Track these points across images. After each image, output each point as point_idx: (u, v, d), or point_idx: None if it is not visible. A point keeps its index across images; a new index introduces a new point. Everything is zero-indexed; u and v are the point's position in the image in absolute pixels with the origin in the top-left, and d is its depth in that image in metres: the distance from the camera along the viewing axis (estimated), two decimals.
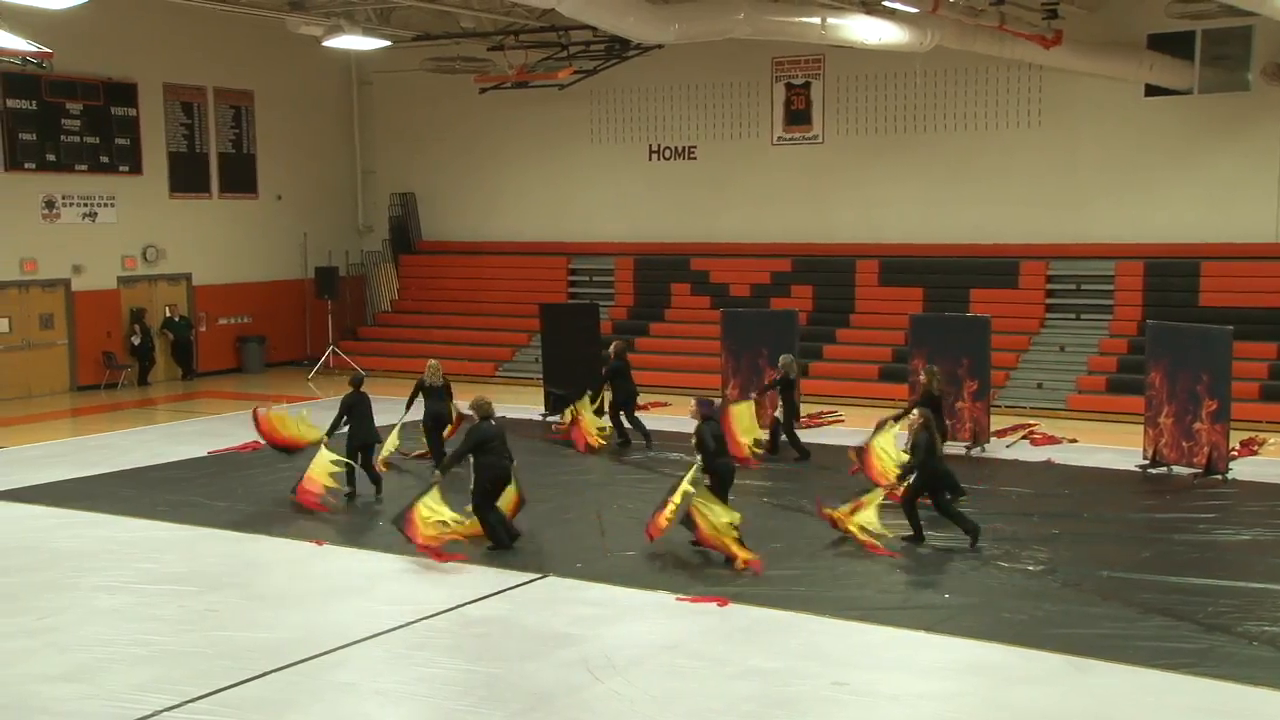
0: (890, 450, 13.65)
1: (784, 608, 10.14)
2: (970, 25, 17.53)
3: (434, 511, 11.68)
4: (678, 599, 10.39)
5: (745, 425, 15.25)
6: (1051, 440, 17.10)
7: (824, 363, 21.42)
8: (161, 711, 8.14)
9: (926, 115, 22.49)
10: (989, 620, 9.90)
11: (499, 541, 11.80)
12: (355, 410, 13.92)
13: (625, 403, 16.98)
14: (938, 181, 22.51)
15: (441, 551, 11.55)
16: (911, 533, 12.08)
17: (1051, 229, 21.60)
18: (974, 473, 15.24)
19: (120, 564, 11.45)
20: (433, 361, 15.48)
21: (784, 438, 16.07)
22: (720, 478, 12.13)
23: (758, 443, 15.43)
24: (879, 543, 11.79)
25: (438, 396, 15.25)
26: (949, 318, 18.02)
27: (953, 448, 16.19)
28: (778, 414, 16.10)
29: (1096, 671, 8.87)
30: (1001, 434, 17.15)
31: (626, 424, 16.97)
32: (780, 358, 16.27)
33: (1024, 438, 17.30)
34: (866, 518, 11.98)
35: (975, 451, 16.28)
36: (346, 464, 13.74)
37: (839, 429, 18.23)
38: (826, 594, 10.51)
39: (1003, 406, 18.87)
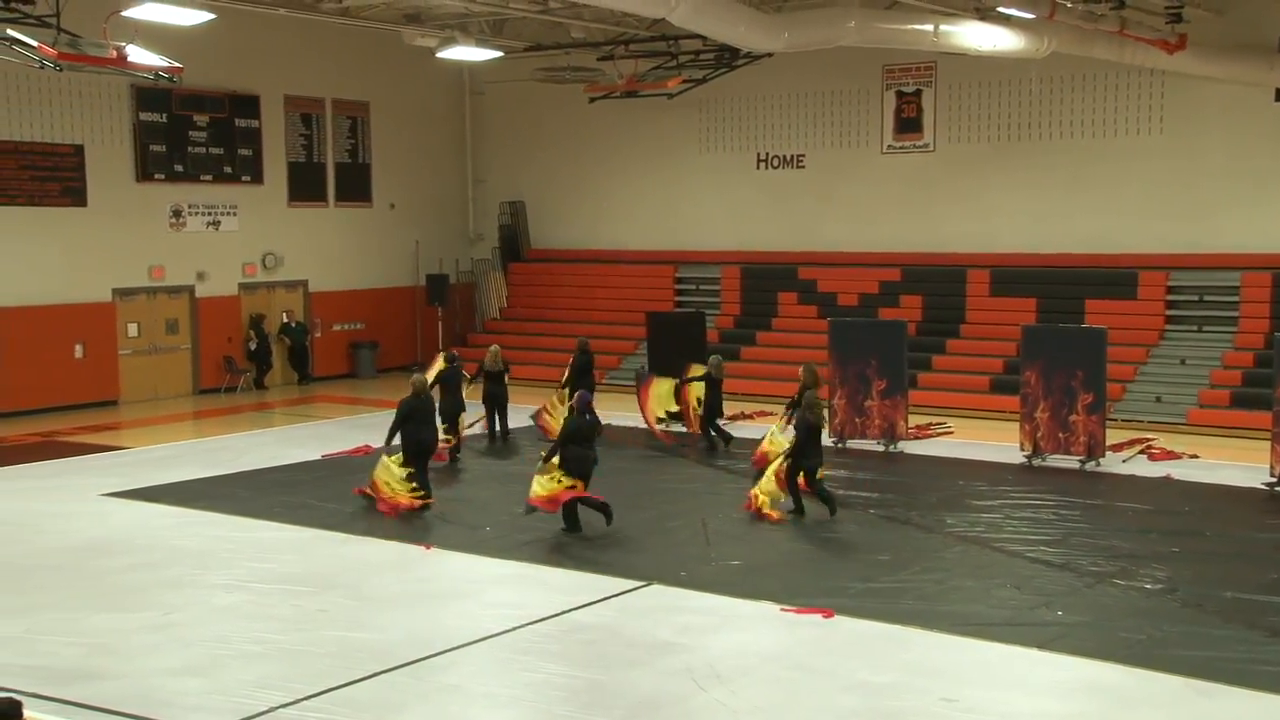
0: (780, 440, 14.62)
1: (891, 621, 9.98)
2: (1088, 30, 17.13)
3: (390, 474, 13.69)
4: (782, 609, 10.29)
5: (661, 399, 16.77)
6: (1171, 455, 16.60)
7: (933, 373, 21.09)
8: (276, 708, 8.30)
9: (1041, 122, 22.04)
10: (1105, 639, 9.61)
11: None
12: (414, 415, 14.16)
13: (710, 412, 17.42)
14: (1053, 190, 22.03)
15: (398, 508, 13.43)
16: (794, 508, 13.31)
17: (1172, 238, 20.99)
18: (1089, 487, 14.89)
19: (237, 563, 11.72)
20: (494, 348, 17.96)
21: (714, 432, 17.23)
22: (577, 464, 12.72)
23: (669, 414, 17.42)
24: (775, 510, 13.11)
25: (497, 380, 17.61)
26: (1063, 329, 17.61)
27: (1067, 462, 15.87)
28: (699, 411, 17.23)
29: (1219, 696, 8.55)
30: (1118, 448, 16.70)
31: (712, 431, 17.43)
32: (710, 358, 17.48)
33: (1141, 452, 16.82)
34: (765, 485, 13.33)
35: (1090, 466, 15.88)
36: (411, 472, 13.92)
37: (948, 441, 17.94)
38: (935, 608, 10.32)
39: (1119, 420, 18.38)
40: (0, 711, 5.52)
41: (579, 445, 12.81)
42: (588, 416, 13.21)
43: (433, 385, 15.53)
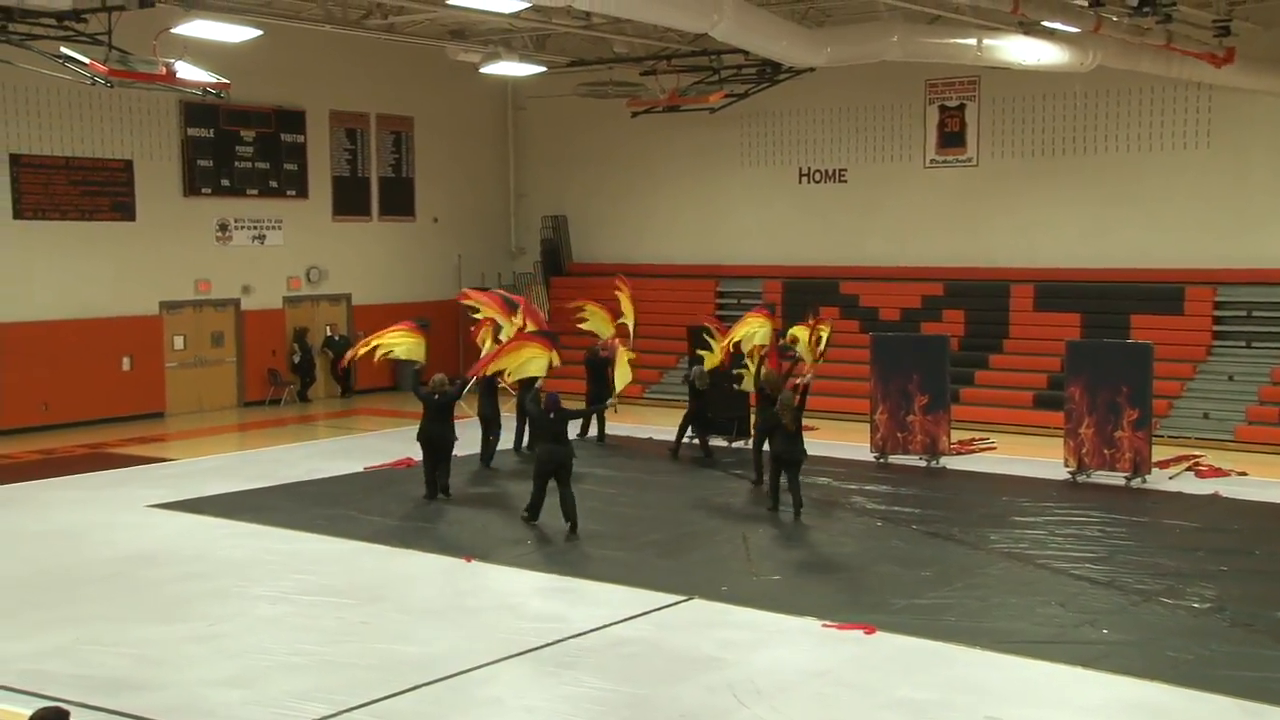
0: None
1: (934, 637, 9.91)
2: (1134, 44, 17.00)
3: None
4: (824, 625, 10.24)
5: (620, 374, 15.58)
6: (1219, 473, 16.40)
7: (976, 389, 20.94)
8: (319, 719, 8.35)
9: (1086, 136, 21.87)
10: (1152, 658, 9.49)
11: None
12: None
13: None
14: (1098, 204, 21.85)
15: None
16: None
17: (1220, 253, 20.75)
18: (1135, 505, 14.73)
19: (281, 574, 11.81)
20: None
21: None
22: (542, 460, 13.50)
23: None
24: None
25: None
26: (1108, 344, 17.44)
27: (1112, 478, 15.71)
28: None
29: (1269, 717, 8.43)
30: (1164, 465, 16.51)
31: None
32: (693, 368, 17.31)
33: (1188, 469, 16.63)
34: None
35: (1136, 483, 15.71)
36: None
37: (991, 457, 17.80)
38: (978, 624, 10.24)
39: (1165, 437, 18.16)
40: None
41: (548, 441, 13.57)
42: (552, 415, 13.68)
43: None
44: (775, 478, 14.22)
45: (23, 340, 20.05)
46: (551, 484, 13.40)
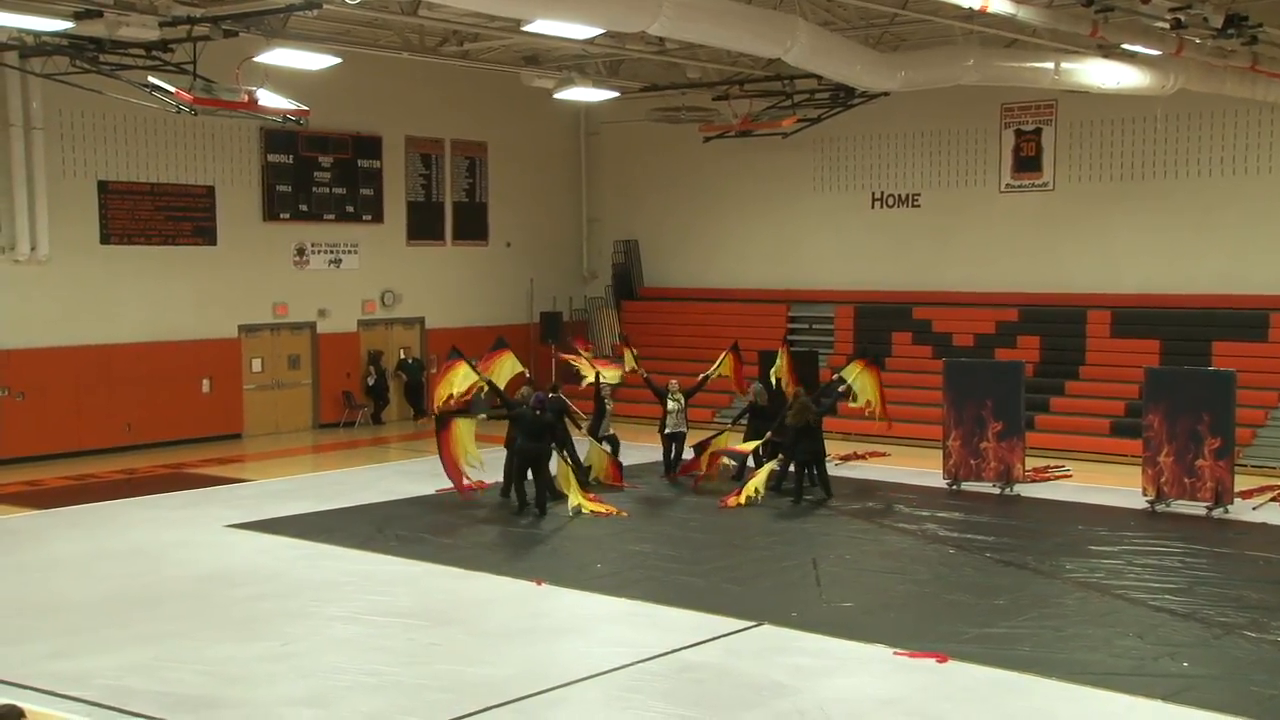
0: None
1: (1008, 668, 9.79)
2: (1218, 67, 16.75)
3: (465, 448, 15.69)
4: (895, 653, 10.16)
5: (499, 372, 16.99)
6: None
7: (1051, 415, 20.67)
8: None
9: (1167, 160, 21.56)
10: (1235, 693, 9.29)
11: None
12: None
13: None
14: (1178, 229, 21.51)
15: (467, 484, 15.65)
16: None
17: None
18: (1217, 535, 14.44)
19: (354, 596, 11.96)
20: (673, 382, 18.07)
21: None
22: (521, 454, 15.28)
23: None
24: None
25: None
26: (1189, 371, 17.13)
27: (1193, 508, 15.42)
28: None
29: None
30: (1247, 495, 16.17)
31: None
32: (753, 385, 17.88)
33: (1273, 499, 16.26)
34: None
35: (1218, 513, 15.40)
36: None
37: (1067, 484, 17.55)
38: (1054, 655, 10.09)
39: (1249, 466, 17.80)
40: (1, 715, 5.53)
41: (528, 439, 15.08)
42: (538, 412, 15.22)
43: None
44: (801, 474, 16.19)
45: (108, 362, 20.56)
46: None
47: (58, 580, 12.70)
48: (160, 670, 9.85)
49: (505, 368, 17.08)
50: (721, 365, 18.30)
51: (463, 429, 16.05)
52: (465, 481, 16.11)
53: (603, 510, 15.45)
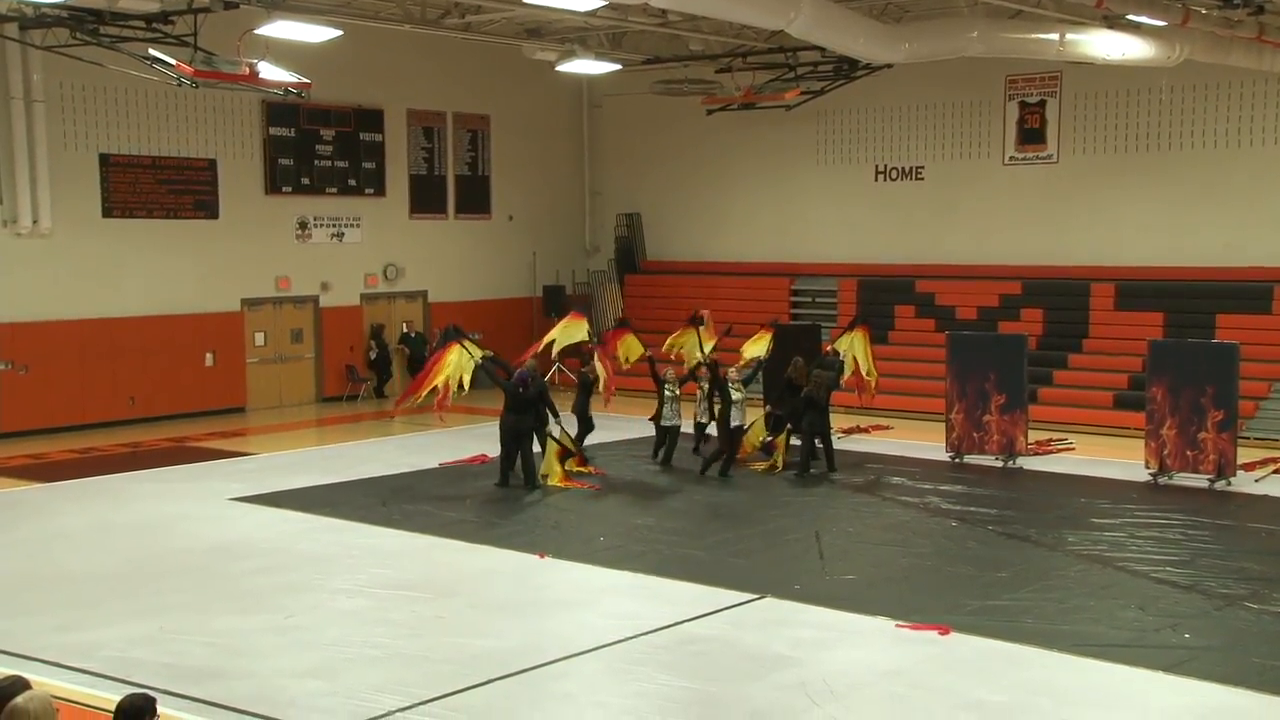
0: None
1: (1010, 639, 9.81)
2: (1224, 37, 16.64)
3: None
4: (898, 625, 10.18)
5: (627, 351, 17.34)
6: None
7: (1054, 389, 20.65)
8: (395, 711, 8.48)
9: (1172, 132, 21.46)
10: (1236, 664, 9.31)
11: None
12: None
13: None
14: (1183, 202, 21.43)
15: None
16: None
17: None
18: (1219, 508, 14.45)
19: (358, 569, 11.99)
20: (669, 371, 17.51)
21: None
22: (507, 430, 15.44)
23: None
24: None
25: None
26: (1192, 344, 17.11)
27: (1195, 481, 15.43)
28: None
29: None
30: (1249, 467, 16.17)
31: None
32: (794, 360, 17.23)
33: (1275, 471, 16.26)
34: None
35: (1220, 485, 15.40)
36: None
37: (1070, 457, 17.56)
38: (1055, 627, 10.11)
39: (1251, 439, 17.79)
40: (136, 707, 5.75)
41: (513, 412, 15.19)
42: (521, 389, 15.17)
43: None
44: (808, 447, 16.22)
45: (111, 336, 20.56)
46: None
47: (62, 553, 12.73)
48: (164, 642, 9.89)
49: (631, 348, 17.63)
50: (757, 344, 18.12)
51: (461, 357, 15.79)
52: (438, 399, 15.78)
53: (576, 485, 15.54)
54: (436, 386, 15.71)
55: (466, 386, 16.10)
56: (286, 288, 23.16)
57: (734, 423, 16.23)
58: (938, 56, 17.01)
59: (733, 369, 16.96)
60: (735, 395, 16.31)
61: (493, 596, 11.22)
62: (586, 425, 17.17)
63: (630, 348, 17.87)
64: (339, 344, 23.94)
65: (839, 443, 17.45)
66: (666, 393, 16.95)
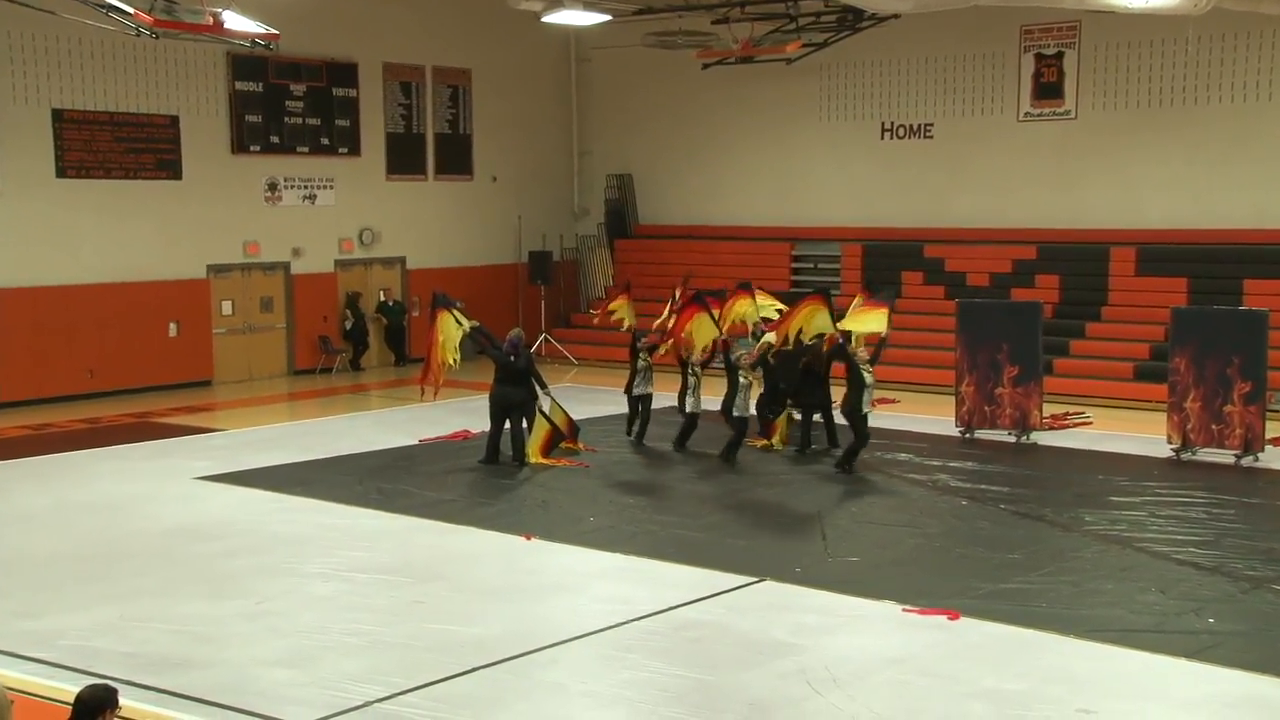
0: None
1: (1023, 624, 9.85)
2: None
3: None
4: (904, 610, 10.22)
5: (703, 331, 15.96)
6: None
7: (1070, 359, 20.70)
8: (373, 702, 8.49)
9: (1199, 86, 21.42)
10: (1262, 650, 9.37)
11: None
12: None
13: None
14: (1209, 161, 21.43)
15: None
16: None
17: None
18: (1245, 485, 14.51)
19: (333, 551, 11.99)
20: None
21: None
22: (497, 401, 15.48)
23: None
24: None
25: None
26: (1218, 311, 17.12)
27: (1220, 456, 15.48)
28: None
29: None
30: (1278, 442, 16.21)
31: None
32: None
33: None
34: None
35: (1247, 461, 15.46)
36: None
37: (1087, 432, 17.61)
38: (1071, 612, 10.15)
39: None
40: (97, 699, 5.76)
41: (503, 383, 15.32)
42: (512, 358, 15.34)
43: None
44: (808, 422, 16.34)
45: (66, 304, 20.49)
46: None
47: (18, 535, 12.72)
48: (127, 630, 9.89)
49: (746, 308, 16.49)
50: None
51: (448, 324, 15.89)
52: (432, 377, 16.13)
53: (563, 463, 15.58)
54: (441, 362, 15.92)
55: (457, 362, 16.17)
56: (255, 253, 23.09)
57: (737, 412, 15.65)
58: (948, 5, 16.99)
59: (744, 353, 16.15)
60: (640, 364, 16.72)
61: (477, 580, 11.24)
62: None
63: (702, 329, 16.15)
64: (312, 313, 23.89)
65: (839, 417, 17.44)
66: (640, 363, 16.90)
